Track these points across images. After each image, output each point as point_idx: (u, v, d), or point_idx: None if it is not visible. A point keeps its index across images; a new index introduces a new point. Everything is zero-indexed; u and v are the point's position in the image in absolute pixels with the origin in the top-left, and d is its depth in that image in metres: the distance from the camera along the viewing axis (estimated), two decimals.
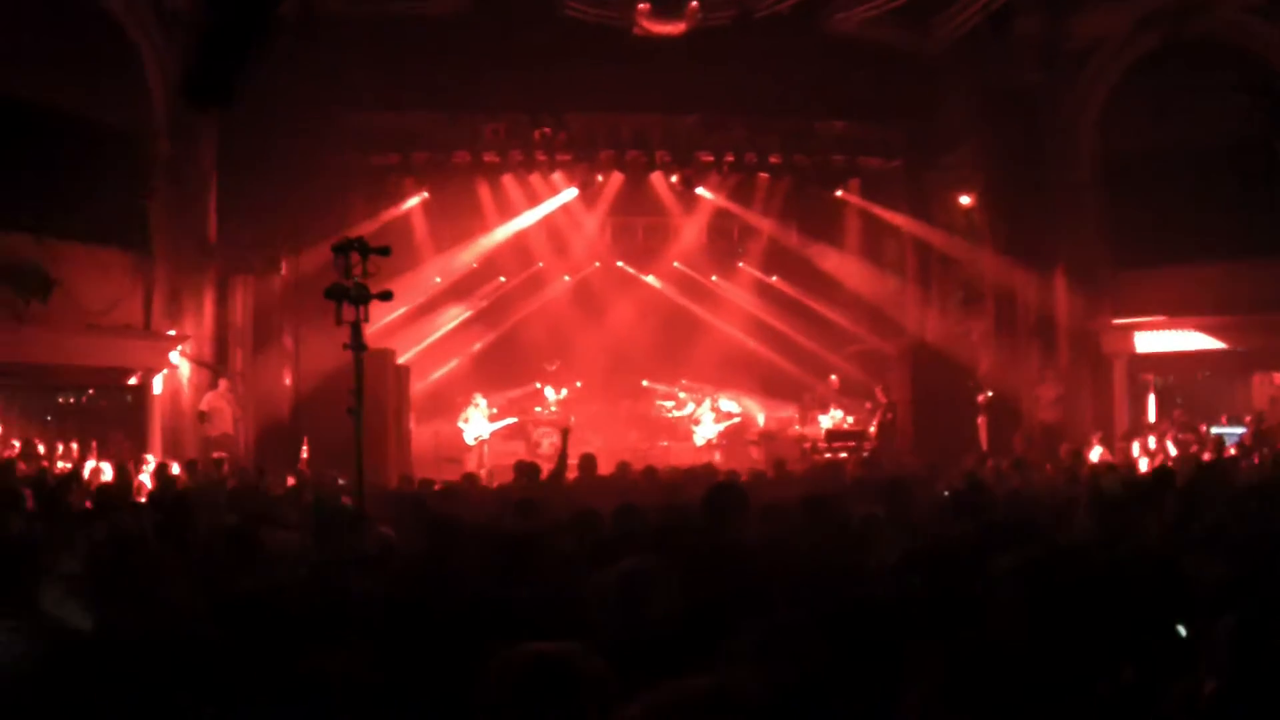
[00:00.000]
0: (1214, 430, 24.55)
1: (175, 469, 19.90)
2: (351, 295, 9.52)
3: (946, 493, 13.43)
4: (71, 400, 27.29)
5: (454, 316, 31.84)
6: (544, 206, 30.46)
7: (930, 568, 6.53)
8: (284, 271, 24.31)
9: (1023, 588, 6.17)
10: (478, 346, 32.06)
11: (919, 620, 6.08)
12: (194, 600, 7.51)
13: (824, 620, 6.25)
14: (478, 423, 28.52)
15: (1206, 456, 20.43)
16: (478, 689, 3.75)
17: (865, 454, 25.51)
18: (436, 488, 16.89)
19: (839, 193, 29.54)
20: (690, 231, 32.48)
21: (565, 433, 20.65)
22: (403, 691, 4.22)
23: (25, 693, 5.23)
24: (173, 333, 23.93)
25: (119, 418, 25.81)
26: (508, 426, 29.93)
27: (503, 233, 30.83)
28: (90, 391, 26.43)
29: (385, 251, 9.76)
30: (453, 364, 31.16)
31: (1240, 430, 24.26)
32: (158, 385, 24.02)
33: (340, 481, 17.51)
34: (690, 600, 6.76)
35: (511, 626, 6.08)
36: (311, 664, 4.08)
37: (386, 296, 9.80)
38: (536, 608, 6.59)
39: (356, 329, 9.55)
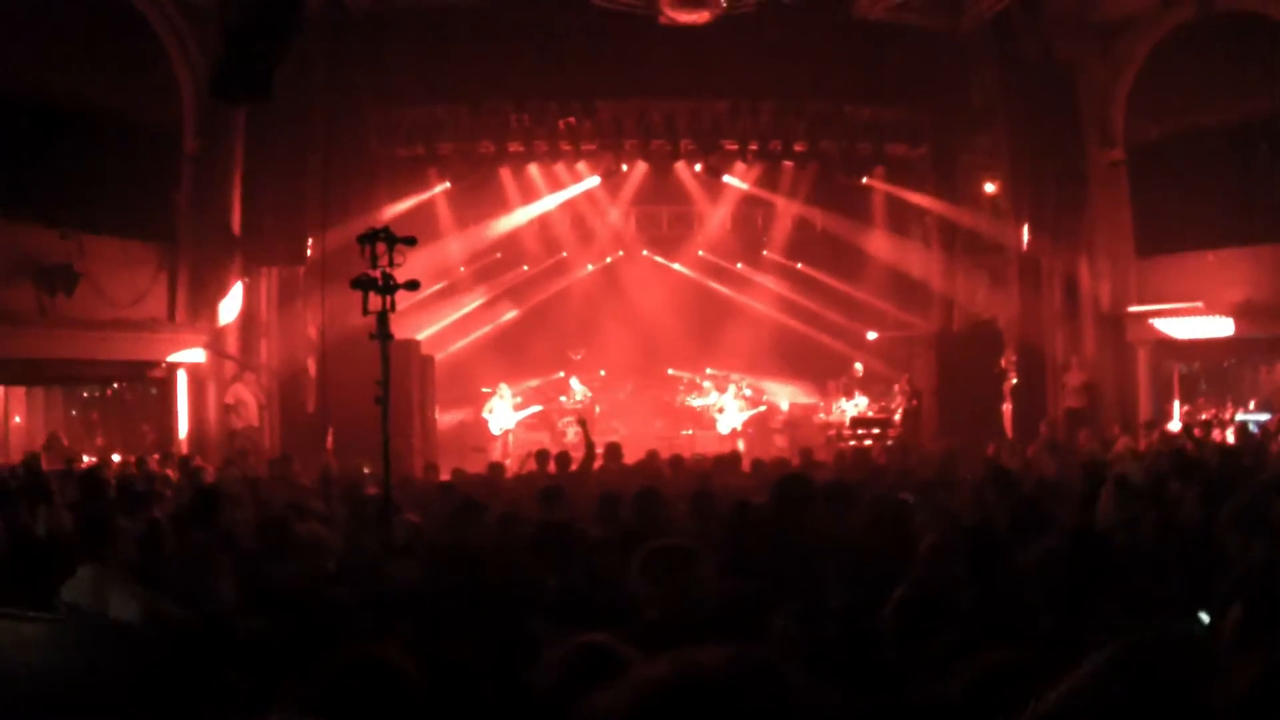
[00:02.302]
0: (1239, 417, 24.46)
1: (201, 461, 19.98)
2: (378, 285, 9.52)
3: (971, 479, 13.47)
4: (97, 394, 27.40)
5: (477, 305, 31.85)
6: (568, 194, 30.44)
7: (967, 553, 6.54)
8: (309, 263, 24.32)
9: (1054, 572, 6.20)
10: (502, 335, 32.01)
11: (960, 605, 6.11)
12: (234, 591, 7.57)
13: (862, 605, 6.30)
14: (503, 413, 28.61)
15: (1232, 441, 20.39)
16: (534, 676, 3.80)
17: (890, 441, 25.49)
18: (463, 477, 16.98)
19: (865, 180, 29.37)
20: (715, 219, 32.41)
21: (584, 422, 20.72)
22: (441, 679, 4.24)
23: (68, 687, 5.26)
24: (198, 325, 23.98)
25: (145, 411, 25.94)
26: (532, 416, 30.00)
27: (526, 221, 30.85)
28: (116, 385, 26.53)
29: (411, 241, 9.75)
30: (476, 353, 31.09)
31: (1266, 416, 24.17)
32: (183, 378, 24.08)
33: (365, 471, 17.58)
34: (729, 584, 6.81)
35: (544, 613, 6.13)
36: (352, 652, 4.11)
37: (413, 286, 9.79)
38: (568, 595, 6.63)
39: (383, 318, 9.55)
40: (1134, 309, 25.76)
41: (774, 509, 8.75)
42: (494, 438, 28.05)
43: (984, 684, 3.52)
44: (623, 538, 7.76)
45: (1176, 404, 26.62)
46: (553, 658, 3.85)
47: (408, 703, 3.95)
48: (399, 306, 9.95)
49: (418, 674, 4.05)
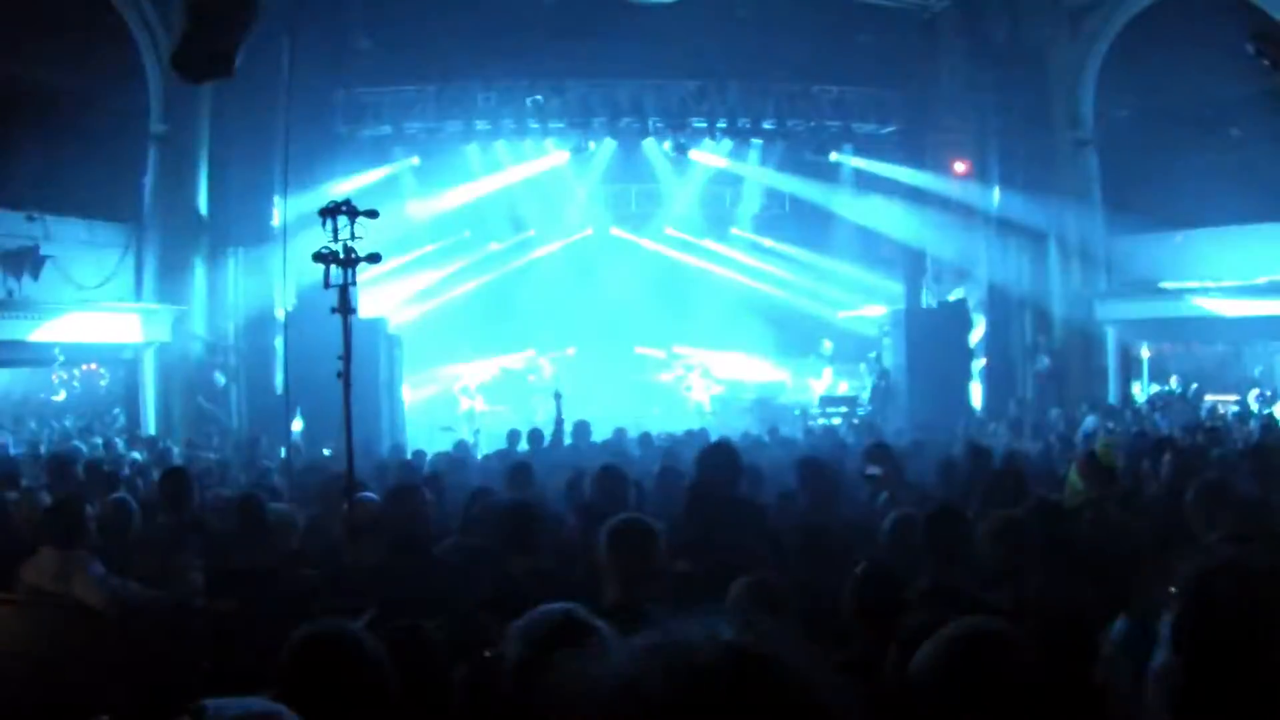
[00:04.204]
0: (1208, 398, 24.58)
1: (168, 443, 19.93)
2: (339, 259, 9.46)
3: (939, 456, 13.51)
4: (65, 376, 27.29)
5: (445, 283, 31.74)
6: (536, 170, 30.28)
7: (930, 526, 6.55)
8: (273, 241, 24.23)
9: (1018, 543, 6.23)
10: (469, 312, 31.87)
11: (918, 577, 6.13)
12: (201, 574, 7.54)
13: (820, 577, 6.31)
14: (471, 391, 28.65)
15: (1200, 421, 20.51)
16: (504, 647, 3.78)
17: (858, 419, 25.57)
18: (429, 456, 16.95)
19: (833, 156, 29.31)
20: (683, 197, 32.32)
21: (558, 397, 20.70)
22: (406, 659, 4.22)
23: (31, 669, 5.24)
24: (166, 307, 23.89)
25: (113, 393, 25.85)
26: (500, 393, 30.02)
27: (494, 197, 30.77)
28: (84, 368, 26.42)
29: (374, 214, 9.68)
30: (443, 330, 30.98)
31: (1236, 397, 24.30)
32: (151, 360, 23.98)
33: (326, 453, 17.54)
34: (695, 558, 6.82)
35: (509, 594, 6.11)
36: (319, 631, 4.09)
37: (375, 259, 9.72)
38: (533, 575, 6.61)
39: (344, 292, 9.49)
40: (1102, 289, 25.84)
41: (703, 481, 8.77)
42: (461, 416, 28.03)
43: (954, 655, 3.52)
44: (587, 515, 7.75)
45: (1145, 383, 26.72)
46: (522, 626, 3.82)
47: (376, 680, 3.93)
48: (364, 284, 9.89)
49: (385, 652, 4.03)
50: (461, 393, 28.67)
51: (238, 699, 3.18)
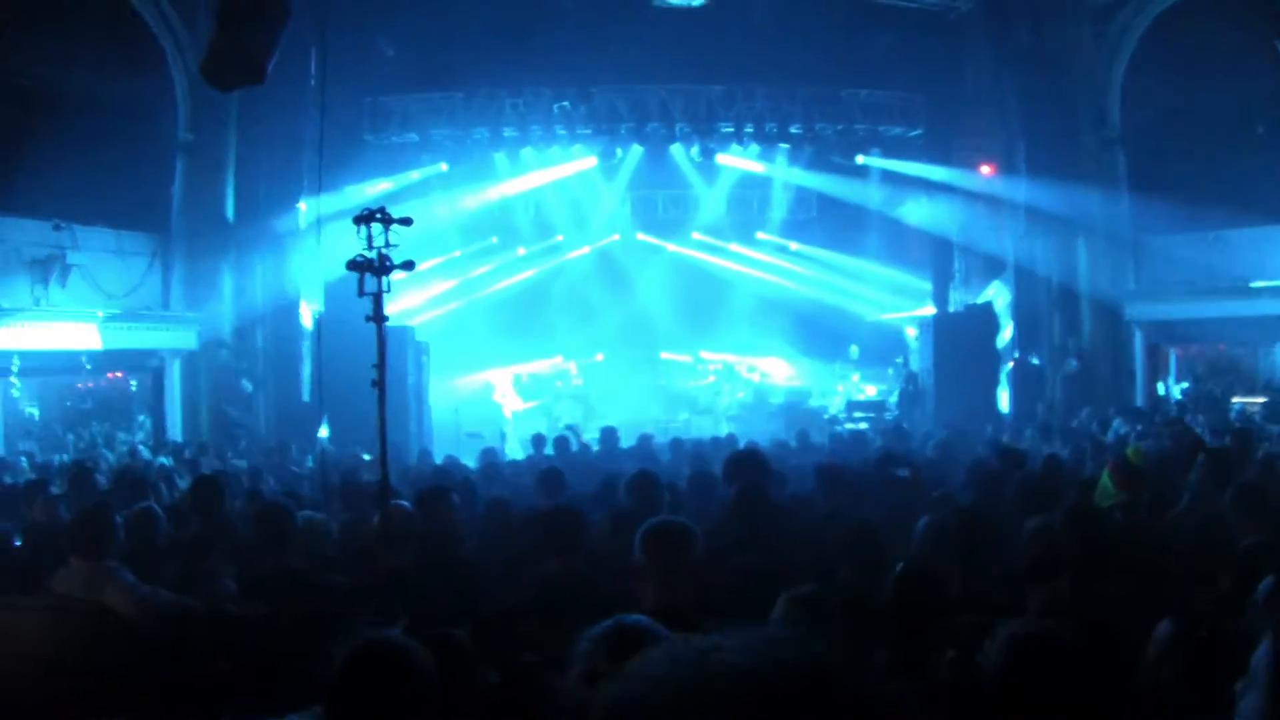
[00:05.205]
0: (1237, 401, 24.38)
1: (195, 450, 19.95)
2: (373, 266, 9.43)
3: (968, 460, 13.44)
4: (91, 385, 27.32)
5: (471, 286, 31.81)
6: (563, 177, 30.27)
7: (965, 534, 6.51)
8: (302, 249, 24.27)
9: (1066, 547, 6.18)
10: (497, 319, 31.87)
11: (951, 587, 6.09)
12: (233, 580, 7.51)
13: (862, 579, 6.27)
14: (510, 398, 28.73)
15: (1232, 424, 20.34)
16: (571, 658, 3.71)
17: (885, 424, 25.48)
18: (457, 463, 16.93)
19: (860, 159, 29.23)
20: (710, 202, 32.29)
21: (588, 406, 20.66)
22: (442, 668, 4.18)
23: (62, 676, 5.22)
24: (192, 314, 23.97)
25: (139, 401, 25.91)
26: (530, 398, 30.02)
27: (521, 202, 30.88)
28: (110, 375, 26.46)
29: (408, 222, 9.64)
30: (471, 336, 30.97)
31: (1264, 400, 24.09)
32: (177, 367, 24.05)
33: (366, 458, 17.51)
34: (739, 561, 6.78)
35: (548, 598, 6.09)
36: (365, 641, 4.04)
37: (409, 267, 9.69)
38: (570, 580, 6.58)
39: (379, 301, 9.46)
40: (1131, 290, 25.71)
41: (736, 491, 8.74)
42: (489, 423, 28.01)
43: (1018, 658, 3.49)
44: (622, 521, 7.70)
45: (1174, 386, 26.55)
46: (590, 638, 3.74)
47: (426, 693, 3.89)
48: (394, 289, 9.84)
49: (432, 662, 3.99)
50: (503, 400, 28.73)
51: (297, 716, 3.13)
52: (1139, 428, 19.33)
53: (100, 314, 22.03)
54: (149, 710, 5.00)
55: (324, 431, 19.50)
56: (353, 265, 9.34)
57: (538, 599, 6.21)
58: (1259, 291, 23.10)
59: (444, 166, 28.39)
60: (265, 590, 6.96)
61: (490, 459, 17.13)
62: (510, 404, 28.68)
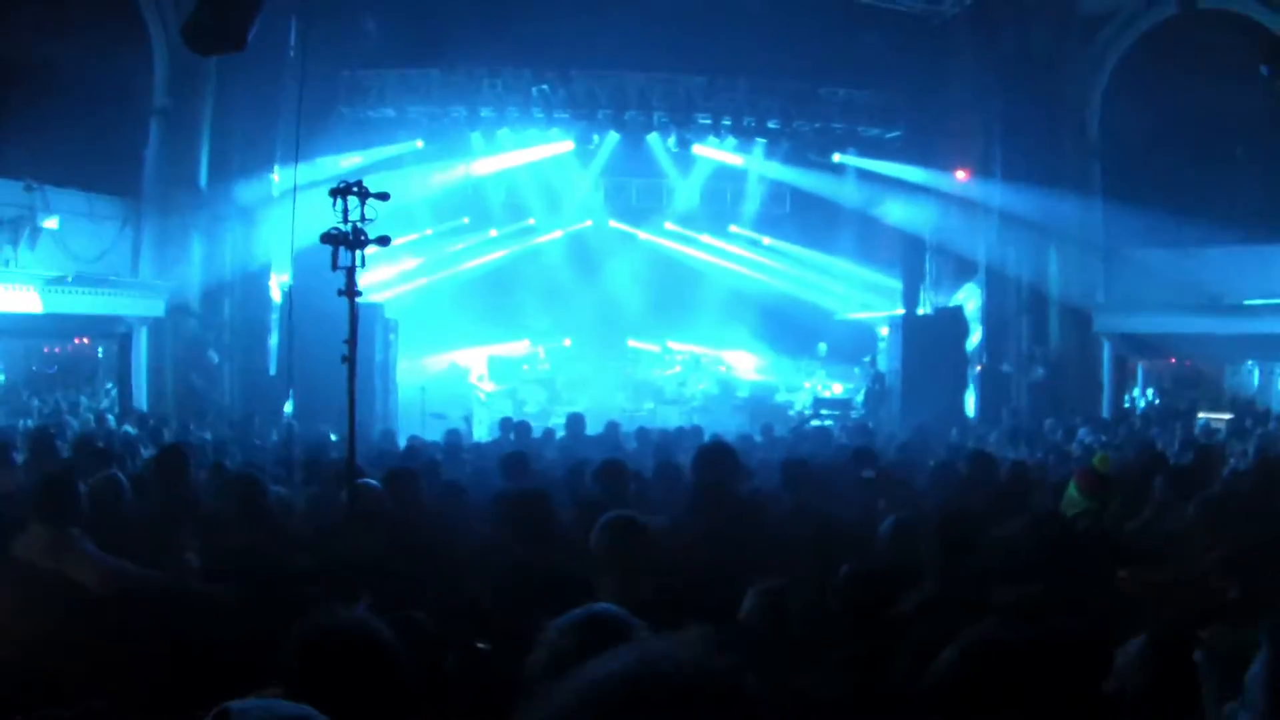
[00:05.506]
0: (1202, 415, 24.51)
1: (159, 419, 19.86)
2: (348, 240, 9.32)
3: (932, 463, 13.49)
4: (58, 350, 27.15)
5: (441, 264, 31.67)
6: (538, 159, 30.19)
7: (936, 534, 6.52)
8: (273, 220, 24.15)
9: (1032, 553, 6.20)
10: (465, 298, 31.73)
11: (915, 584, 6.11)
12: (197, 555, 7.44)
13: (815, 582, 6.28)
14: (486, 381, 28.79)
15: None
16: (537, 644, 3.67)
17: (850, 422, 25.52)
18: (423, 444, 16.86)
19: (836, 157, 29.25)
20: (684, 193, 32.24)
21: (553, 390, 20.64)
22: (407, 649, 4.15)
23: (25, 648, 5.16)
24: (161, 282, 23.83)
25: (106, 368, 25.75)
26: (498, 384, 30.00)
27: (494, 183, 30.80)
28: (77, 341, 26.31)
29: (385, 196, 9.54)
30: (438, 315, 30.85)
31: (1229, 416, 24.21)
32: (144, 335, 23.91)
33: (333, 438, 17.45)
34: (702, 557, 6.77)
35: (519, 583, 6.06)
36: (330, 621, 4.00)
37: (385, 242, 9.57)
38: (543, 565, 6.56)
39: (352, 275, 9.36)
40: (1100, 301, 25.82)
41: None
42: (451, 403, 27.96)
43: (971, 664, 3.48)
44: (588, 509, 7.69)
45: (1140, 397, 26.70)
46: (557, 627, 3.69)
47: (385, 672, 3.85)
48: (366, 274, 9.73)
49: (394, 643, 3.95)
50: (479, 379, 28.74)
51: (262, 701, 3.09)
52: (1103, 438, 19.44)
53: (69, 277, 21.85)
54: (108, 684, 4.95)
55: (289, 406, 19.39)
56: (327, 238, 9.23)
57: (503, 584, 6.19)
58: (1230, 309, 23.24)
59: (419, 144, 28.25)
60: (230, 567, 6.89)
61: (453, 440, 17.08)
62: (485, 387, 28.69)
